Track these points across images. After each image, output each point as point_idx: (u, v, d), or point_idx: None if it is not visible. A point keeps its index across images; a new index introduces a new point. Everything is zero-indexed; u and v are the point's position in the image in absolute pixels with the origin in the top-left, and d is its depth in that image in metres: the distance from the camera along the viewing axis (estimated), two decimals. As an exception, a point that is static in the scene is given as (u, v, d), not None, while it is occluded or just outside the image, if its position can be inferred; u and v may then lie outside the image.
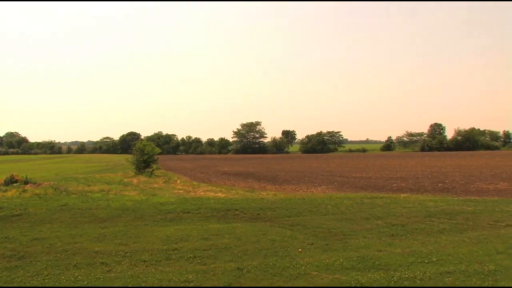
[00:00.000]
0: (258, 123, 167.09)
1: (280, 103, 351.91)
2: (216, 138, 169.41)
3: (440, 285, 7.75)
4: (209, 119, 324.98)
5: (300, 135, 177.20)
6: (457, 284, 7.79)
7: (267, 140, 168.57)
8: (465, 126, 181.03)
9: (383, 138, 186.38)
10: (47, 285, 7.92)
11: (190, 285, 7.86)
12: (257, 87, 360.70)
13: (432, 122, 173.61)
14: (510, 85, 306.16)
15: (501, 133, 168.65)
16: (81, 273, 8.50)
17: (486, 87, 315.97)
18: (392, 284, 7.80)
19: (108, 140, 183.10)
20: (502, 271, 8.53)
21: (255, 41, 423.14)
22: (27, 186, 24.75)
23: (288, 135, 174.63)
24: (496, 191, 24.10)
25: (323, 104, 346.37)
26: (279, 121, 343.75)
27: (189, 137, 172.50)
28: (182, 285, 7.88)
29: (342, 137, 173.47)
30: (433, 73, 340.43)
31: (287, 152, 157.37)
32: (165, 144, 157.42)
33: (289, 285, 7.88)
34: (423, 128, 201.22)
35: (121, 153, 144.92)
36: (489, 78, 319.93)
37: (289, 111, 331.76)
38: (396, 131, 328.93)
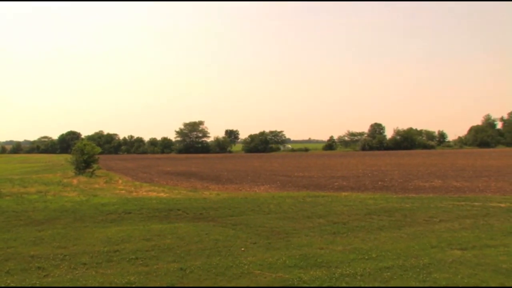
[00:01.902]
0: (201, 123, 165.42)
1: (223, 103, 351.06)
2: (158, 138, 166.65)
3: (379, 280, 7.99)
4: (151, 119, 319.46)
5: (243, 135, 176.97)
6: (395, 278, 8.06)
7: (210, 139, 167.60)
8: (404, 126, 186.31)
9: (325, 137, 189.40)
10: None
11: (132, 287, 7.71)
12: (199, 86, 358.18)
13: (373, 122, 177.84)
14: (444, 87, 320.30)
15: (436, 133, 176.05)
16: (14, 280, 8.12)
17: (422, 88, 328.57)
18: (333, 281, 7.96)
19: (46, 139, 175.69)
20: (435, 264, 8.93)
21: (193, 41, 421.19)
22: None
23: (231, 135, 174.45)
24: (432, 188, 25.08)
25: (265, 104, 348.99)
26: (222, 120, 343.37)
27: (131, 137, 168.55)
28: (123, 286, 7.72)
29: (285, 137, 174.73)
30: (373, 74, 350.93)
31: (230, 152, 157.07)
32: (106, 143, 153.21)
33: (232, 284, 7.88)
34: (364, 127, 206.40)
35: (60, 153, 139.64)
36: (425, 80, 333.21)
37: (232, 111, 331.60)
38: (337, 131, 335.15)
